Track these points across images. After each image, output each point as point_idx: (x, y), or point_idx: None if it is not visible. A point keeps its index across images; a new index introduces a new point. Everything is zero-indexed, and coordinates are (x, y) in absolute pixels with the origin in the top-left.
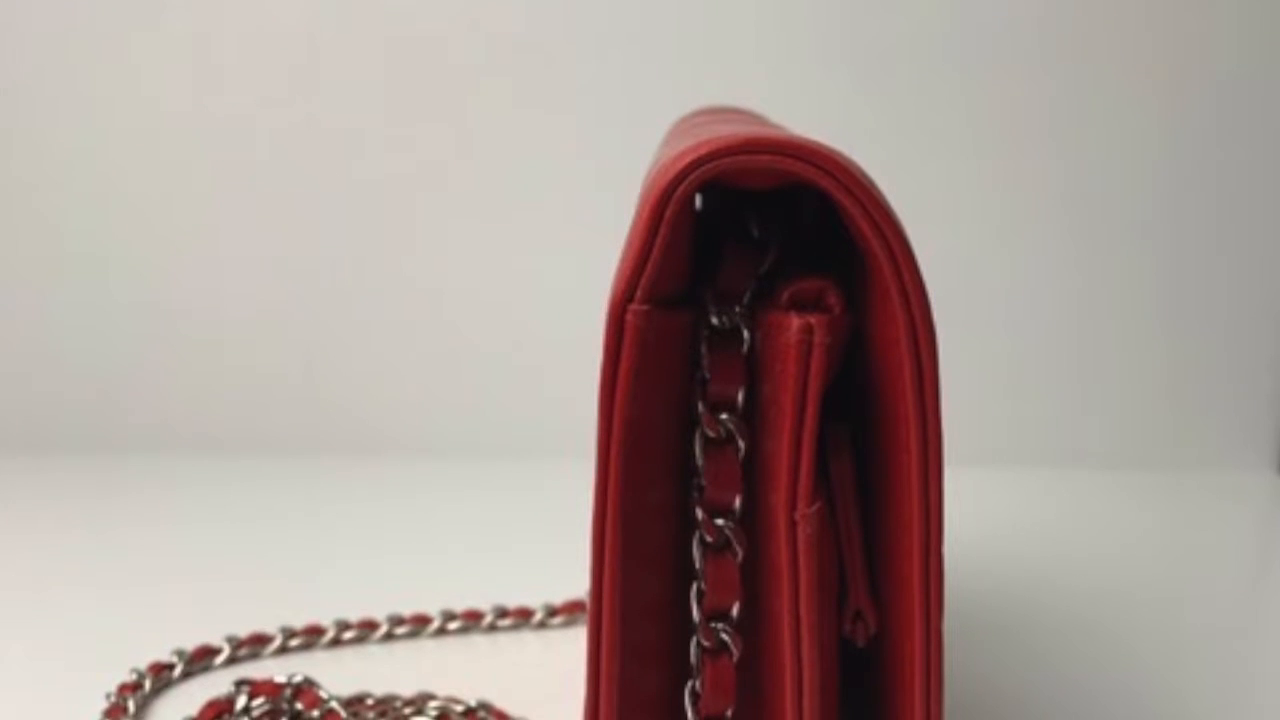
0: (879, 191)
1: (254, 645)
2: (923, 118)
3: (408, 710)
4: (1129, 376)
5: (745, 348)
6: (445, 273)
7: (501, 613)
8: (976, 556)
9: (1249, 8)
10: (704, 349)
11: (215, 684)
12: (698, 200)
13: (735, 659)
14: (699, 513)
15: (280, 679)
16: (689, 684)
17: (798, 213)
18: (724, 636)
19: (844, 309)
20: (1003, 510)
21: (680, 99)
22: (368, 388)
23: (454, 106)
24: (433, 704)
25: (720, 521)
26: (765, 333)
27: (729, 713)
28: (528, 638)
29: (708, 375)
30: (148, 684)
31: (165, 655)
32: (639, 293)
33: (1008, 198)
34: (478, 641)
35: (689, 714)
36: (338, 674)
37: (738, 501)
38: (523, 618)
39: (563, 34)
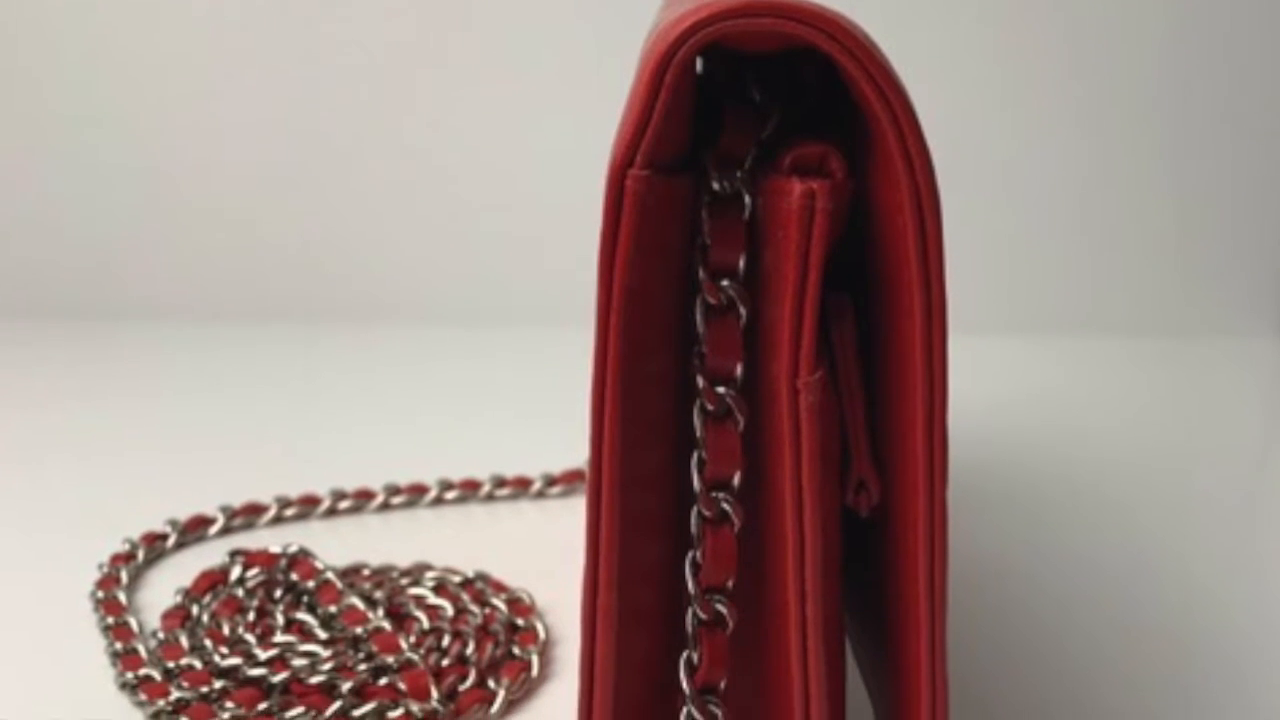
0: (883, 55)
1: (249, 515)
2: None
3: (404, 581)
4: (1135, 242)
5: (746, 214)
6: (444, 139)
7: (499, 482)
8: (980, 425)
9: None
10: (704, 215)
11: (209, 554)
12: (698, 64)
13: (736, 529)
14: (700, 381)
15: (275, 549)
16: (689, 554)
17: (799, 77)
18: (725, 506)
19: (846, 175)
20: (1007, 378)
21: None
22: (365, 254)
23: None
24: (429, 574)
25: (721, 390)
26: (767, 198)
27: (730, 583)
28: (526, 508)
29: (708, 241)
30: (141, 554)
31: (159, 525)
32: (639, 158)
33: (1013, 62)
34: (475, 511)
35: (689, 584)
36: (333, 544)
37: (739, 369)
38: (521, 488)
39: None
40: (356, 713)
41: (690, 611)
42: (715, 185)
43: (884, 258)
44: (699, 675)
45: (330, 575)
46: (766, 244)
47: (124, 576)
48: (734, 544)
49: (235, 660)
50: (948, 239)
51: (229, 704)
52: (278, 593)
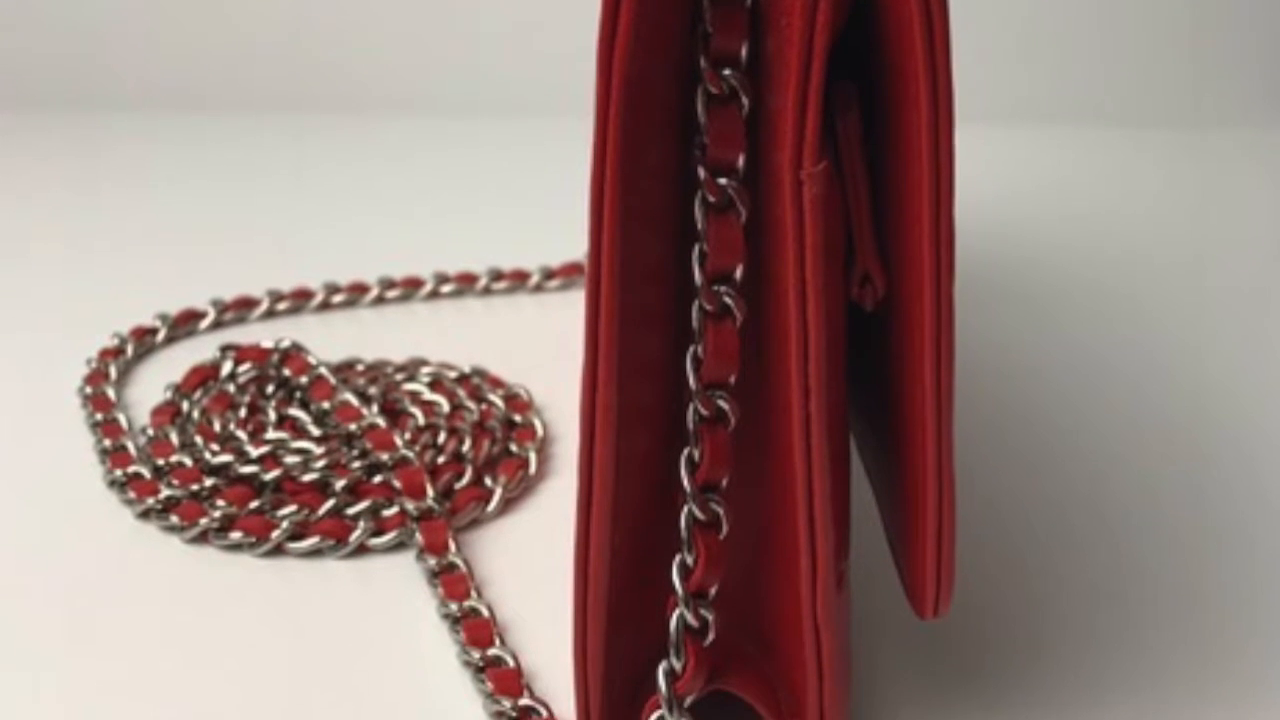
0: None
1: (240, 309)
2: None
3: (399, 376)
4: (1147, 31)
5: (749, 0)
6: None
7: (496, 275)
8: (989, 218)
9: None
10: (706, 2)
11: (200, 349)
12: None
13: (739, 323)
14: (701, 172)
15: (267, 344)
16: (691, 349)
17: None
18: (727, 300)
19: None
20: (1016, 170)
21: None
22: (358, 42)
23: None
24: (425, 370)
25: (723, 180)
26: None
27: (732, 379)
28: (523, 301)
29: (710, 29)
30: (130, 349)
31: (148, 319)
32: None
33: None
34: (472, 305)
35: (690, 380)
36: (327, 339)
37: (741, 160)
38: (518, 281)
39: None
40: (350, 511)
41: (691, 408)
42: None
43: (889, 46)
44: (700, 472)
45: (323, 371)
46: (769, 31)
47: (113, 372)
48: (736, 338)
49: (226, 457)
50: (955, 25)
51: (220, 502)
52: (270, 388)
